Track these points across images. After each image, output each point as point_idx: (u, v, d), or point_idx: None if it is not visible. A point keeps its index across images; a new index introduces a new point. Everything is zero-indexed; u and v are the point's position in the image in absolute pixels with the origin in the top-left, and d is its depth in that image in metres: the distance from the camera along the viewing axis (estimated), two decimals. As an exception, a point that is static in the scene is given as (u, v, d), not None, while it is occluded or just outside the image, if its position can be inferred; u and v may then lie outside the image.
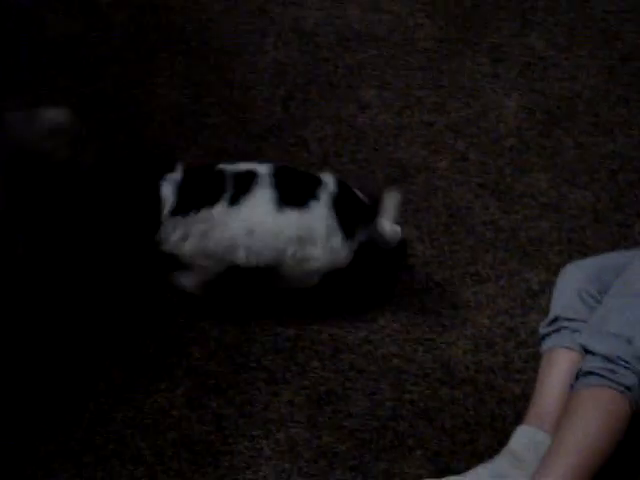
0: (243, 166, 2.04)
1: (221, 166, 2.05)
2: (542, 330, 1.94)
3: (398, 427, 1.92)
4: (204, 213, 1.96)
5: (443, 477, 1.75)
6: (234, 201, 1.96)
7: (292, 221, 1.98)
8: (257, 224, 1.97)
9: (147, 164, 2.09)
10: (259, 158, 2.35)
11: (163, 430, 1.97)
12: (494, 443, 1.86)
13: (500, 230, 2.28)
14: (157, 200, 1.97)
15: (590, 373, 1.70)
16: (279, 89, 2.72)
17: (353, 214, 2.04)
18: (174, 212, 1.97)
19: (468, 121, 2.55)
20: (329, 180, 2.04)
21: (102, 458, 1.93)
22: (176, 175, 2.01)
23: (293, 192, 2.01)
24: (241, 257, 2.01)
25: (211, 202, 1.97)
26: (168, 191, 1.98)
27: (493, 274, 2.19)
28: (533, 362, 2.01)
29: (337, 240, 1.99)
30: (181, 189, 1.98)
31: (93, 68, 2.86)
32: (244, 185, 1.98)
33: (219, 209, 1.96)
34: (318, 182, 2.03)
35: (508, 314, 2.11)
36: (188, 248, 2.02)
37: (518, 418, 1.88)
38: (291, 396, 1.99)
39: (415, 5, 2.93)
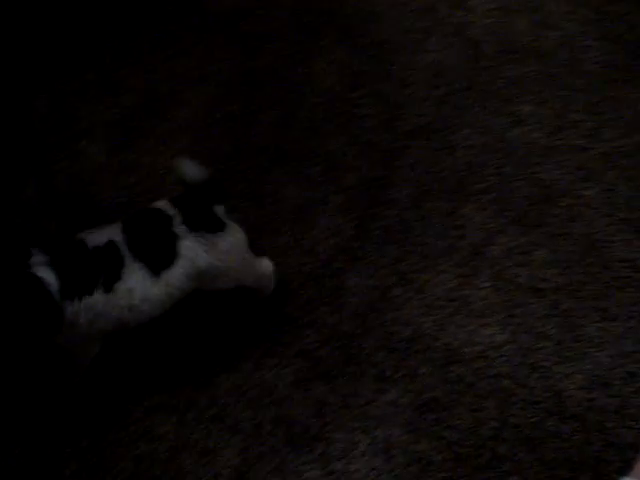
0: (98, 236, 1.85)
1: (79, 236, 1.86)
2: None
3: (498, 449, 1.86)
4: (86, 301, 1.80)
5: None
6: (109, 288, 1.80)
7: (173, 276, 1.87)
8: (139, 300, 1.85)
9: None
10: (403, 157, 2.32)
11: (265, 405, 1.98)
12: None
13: (638, 270, 2.16)
14: (42, 289, 1.75)
15: None
16: (435, 90, 2.66)
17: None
18: (62, 296, 1.77)
19: (623, 152, 2.42)
20: (170, 209, 1.89)
21: (203, 420, 1.96)
22: (40, 257, 1.78)
23: (154, 250, 1.86)
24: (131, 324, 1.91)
25: (89, 290, 1.80)
26: (47, 275, 1.76)
27: (623, 313, 2.07)
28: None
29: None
30: (57, 270, 1.77)
31: (256, 42, 2.88)
32: (112, 267, 1.82)
33: (98, 297, 1.80)
34: (167, 219, 1.87)
35: (631, 357, 2.00)
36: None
37: (624, 467, 1.78)
38: (396, 397, 1.95)
39: (587, 26, 2.80)
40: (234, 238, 1.93)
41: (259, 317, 2.16)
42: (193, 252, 1.84)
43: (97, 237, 1.84)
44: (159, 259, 1.84)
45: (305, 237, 2.33)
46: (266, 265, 2.14)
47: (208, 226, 1.87)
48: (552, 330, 2.06)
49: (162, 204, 1.90)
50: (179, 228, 1.84)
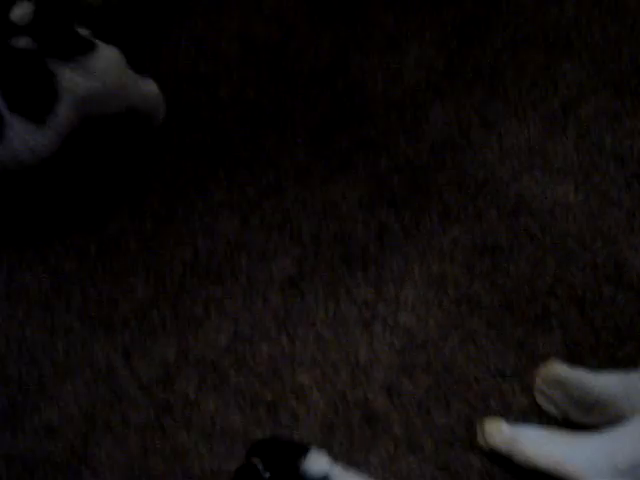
0: None
1: None
2: None
3: (549, 304, 1.81)
4: None
5: (573, 367, 1.65)
6: None
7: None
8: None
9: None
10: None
11: (328, 221, 1.95)
12: (637, 358, 1.73)
13: None
14: None
15: None
16: None
17: None
18: None
19: None
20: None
21: (265, 225, 1.95)
22: None
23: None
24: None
25: None
26: None
27: None
28: None
29: None
30: None
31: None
32: None
33: None
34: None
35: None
36: None
37: (670, 344, 1.73)
38: (458, 235, 1.90)
39: None
40: (108, 57, 1.83)
41: (332, 129, 2.09)
42: (73, 83, 1.76)
43: None
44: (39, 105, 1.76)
45: (394, 64, 2.23)
46: (150, 84, 2.04)
47: (78, 49, 1.77)
48: (627, 200, 1.97)
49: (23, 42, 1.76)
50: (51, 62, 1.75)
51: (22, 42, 1.77)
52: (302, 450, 1.39)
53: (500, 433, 1.58)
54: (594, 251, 1.89)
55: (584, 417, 1.64)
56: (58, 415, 1.73)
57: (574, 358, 1.72)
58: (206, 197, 2.02)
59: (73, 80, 1.77)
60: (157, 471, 1.65)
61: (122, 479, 1.65)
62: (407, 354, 1.75)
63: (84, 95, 1.80)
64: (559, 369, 1.64)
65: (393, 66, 2.22)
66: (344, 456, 1.62)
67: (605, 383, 1.64)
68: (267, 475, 1.34)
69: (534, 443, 1.56)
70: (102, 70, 1.82)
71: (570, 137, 2.07)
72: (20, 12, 1.73)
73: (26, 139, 1.77)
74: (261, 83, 2.24)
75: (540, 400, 1.68)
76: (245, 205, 1.99)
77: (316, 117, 2.15)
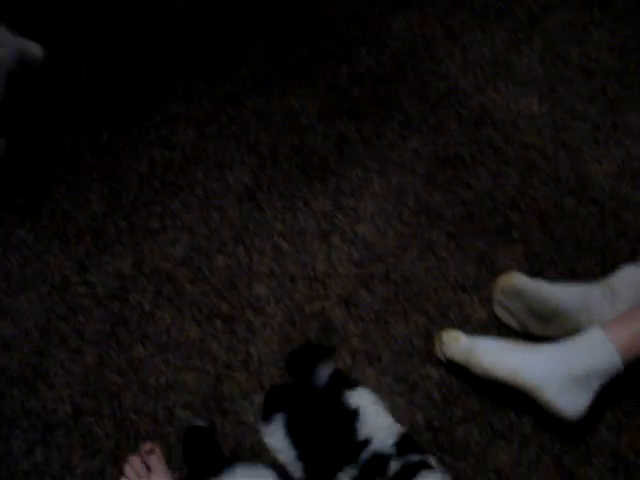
0: None
1: None
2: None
3: (510, 216, 1.76)
4: None
5: (532, 278, 1.61)
6: None
7: None
8: None
9: None
10: None
11: (286, 132, 1.88)
12: (596, 270, 1.69)
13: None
14: None
15: None
16: None
17: None
18: None
19: None
20: None
21: (222, 135, 1.88)
22: None
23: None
24: None
25: None
26: None
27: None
28: (672, 210, 1.79)
29: None
30: None
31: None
32: None
33: None
34: None
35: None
36: None
37: (631, 257, 1.69)
38: (419, 146, 1.84)
39: None
40: None
41: (292, 47, 2.01)
42: None
43: None
44: None
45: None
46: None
47: None
48: (592, 113, 1.92)
49: None
50: None
51: None
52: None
53: (458, 344, 1.55)
54: (557, 164, 1.84)
55: (542, 329, 1.60)
56: (13, 330, 1.67)
57: (534, 271, 1.69)
58: (162, 108, 1.94)
59: None
60: (113, 384, 1.60)
61: (78, 392, 1.60)
62: (365, 266, 1.70)
63: None
64: (518, 280, 1.60)
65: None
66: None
67: (563, 294, 1.60)
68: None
69: (491, 353, 1.52)
70: None
71: (535, 49, 2.01)
72: None
73: None
74: (220, -9, 2.14)
75: (499, 312, 1.64)
76: (202, 116, 1.91)
77: (275, 27, 2.06)
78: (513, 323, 1.63)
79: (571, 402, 1.50)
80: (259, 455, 1.49)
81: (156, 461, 1.43)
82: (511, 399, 1.56)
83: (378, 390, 1.57)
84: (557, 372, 1.49)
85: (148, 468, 1.42)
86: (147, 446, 1.43)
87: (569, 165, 1.84)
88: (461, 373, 1.57)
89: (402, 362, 1.60)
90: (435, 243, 1.72)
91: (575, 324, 1.57)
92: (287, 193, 1.80)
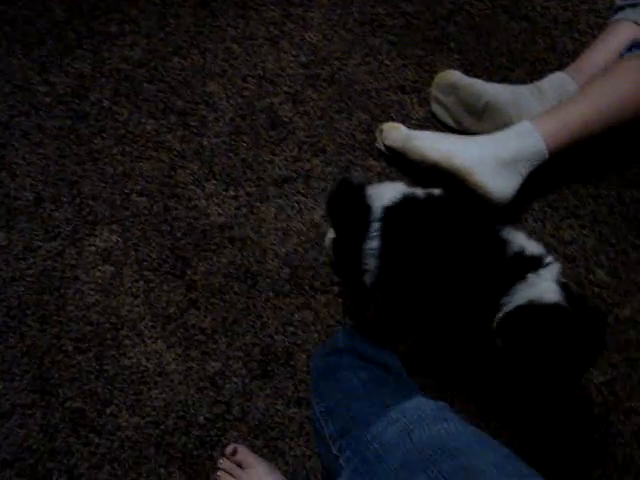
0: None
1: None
2: (619, 2, 1.52)
3: (448, 28, 1.59)
4: None
5: (468, 77, 1.45)
6: None
7: None
8: None
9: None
10: None
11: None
12: (527, 80, 1.53)
13: None
14: None
15: None
16: None
17: None
18: None
19: None
20: None
21: None
22: None
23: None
24: None
25: None
26: None
27: None
28: (597, 30, 1.60)
29: None
30: None
31: None
32: None
33: None
34: None
35: None
36: None
37: (559, 70, 1.52)
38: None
39: None
40: None
41: None
42: None
43: None
44: None
45: None
46: None
47: None
48: None
49: None
50: None
51: None
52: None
53: (398, 131, 1.39)
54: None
55: (476, 125, 1.45)
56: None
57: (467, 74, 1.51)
58: None
59: None
60: (73, 173, 1.44)
61: (39, 181, 1.43)
62: (312, 67, 1.52)
63: None
64: (454, 75, 1.44)
65: None
66: (251, 156, 1.42)
67: (496, 90, 1.45)
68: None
69: (428, 140, 1.37)
70: None
71: None
72: None
73: None
74: None
75: (436, 109, 1.49)
76: None
77: None
78: (449, 120, 1.47)
79: (500, 184, 1.36)
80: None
81: (245, 456, 1.23)
82: (444, 187, 1.42)
83: (323, 177, 1.42)
84: (488, 157, 1.35)
85: (240, 465, 1.22)
86: (229, 449, 1.23)
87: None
88: (400, 165, 1.42)
89: (345, 154, 1.45)
90: (377, 49, 1.54)
91: (506, 120, 1.43)
92: (240, 2, 1.59)
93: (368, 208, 1.09)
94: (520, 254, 1.04)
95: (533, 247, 1.06)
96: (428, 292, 1.10)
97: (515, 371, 1.02)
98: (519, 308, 0.98)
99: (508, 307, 1.00)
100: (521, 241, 1.07)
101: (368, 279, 1.11)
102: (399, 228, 1.09)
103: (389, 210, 1.09)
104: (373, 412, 0.84)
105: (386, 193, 1.11)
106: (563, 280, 1.03)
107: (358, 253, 1.09)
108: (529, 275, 1.01)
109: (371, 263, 1.09)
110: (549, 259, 1.05)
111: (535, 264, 1.03)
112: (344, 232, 1.16)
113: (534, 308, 0.98)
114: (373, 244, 1.08)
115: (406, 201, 1.11)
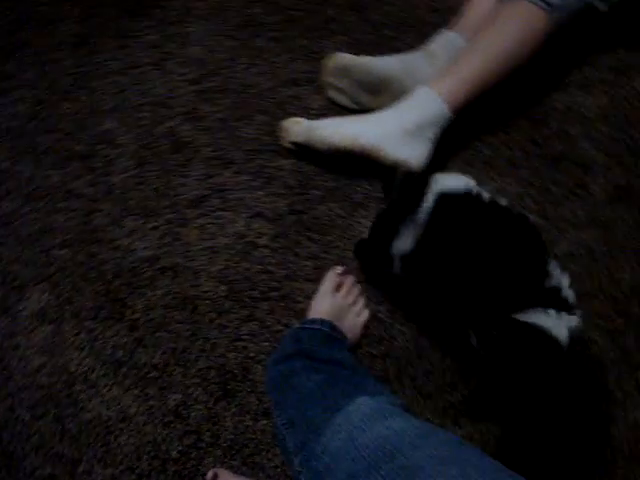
0: None
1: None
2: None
3: (327, 12, 1.58)
4: None
5: (357, 56, 1.44)
6: None
7: None
8: None
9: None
10: None
11: None
12: (416, 44, 1.53)
13: None
14: None
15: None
16: None
17: None
18: None
19: None
20: None
21: None
22: None
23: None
24: None
25: None
26: None
27: None
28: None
29: None
30: None
31: None
32: None
33: None
34: None
35: None
36: None
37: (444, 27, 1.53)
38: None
39: None
40: None
41: None
42: None
43: None
44: None
45: None
46: None
47: None
48: None
49: None
50: None
51: None
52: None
53: (299, 125, 1.38)
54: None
55: (374, 101, 1.46)
56: None
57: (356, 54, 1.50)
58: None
59: None
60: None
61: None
62: (202, 82, 1.50)
63: None
64: (341, 58, 1.43)
65: None
66: (162, 184, 1.40)
67: (386, 64, 1.45)
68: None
69: (331, 127, 1.37)
70: None
71: None
72: None
73: None
74: None
75: (332, 94, 1.48)
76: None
77: None
78: (347, 102, 1.47)
79: (411, 152, 1.37)
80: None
81: (226, 478, 1.22)
82: (360, 170, 1.42)
83: (238, 188, 1.41)
84: (392, 130, 1.36)
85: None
86: (210, 475, 1.22)
87: None
88: (311, 158, 1.42)
89: (255, 159, 1.44)
90: (263, 49, 1.53)
91: (403, 90, 1.43)
92: (116, 34, 1.56)
93: (424, 187, 1.09)
94: (556, 290, 1.06)
95: (569, 293, 1.07)
96: (453, 285, 1.10)
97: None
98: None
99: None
100: (562, 281, 1.08)
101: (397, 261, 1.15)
102: (451, 217, 1.09)
103: (445, 196, 1.09)
104: (325, 418, 0.84)
105: (450, 181, 1.11)
106: (576, 331, 1.04)
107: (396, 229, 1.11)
108: (550, 310, 1.03)
109: (406, 244, 1.11)
110: (576, 311, 1.06)
111: (563, 306, 1.04)
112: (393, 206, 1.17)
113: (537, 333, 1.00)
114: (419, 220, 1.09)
115: (467, 196, 1.10)
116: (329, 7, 1.57)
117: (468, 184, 1.11)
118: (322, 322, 1.20)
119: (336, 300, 1.30)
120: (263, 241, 1.39)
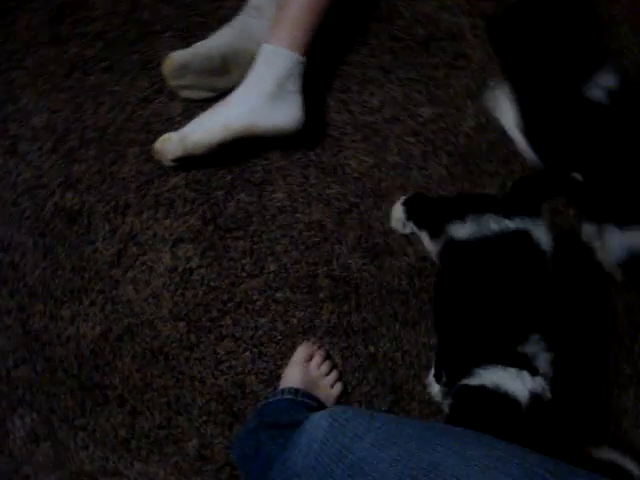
0: None
1: None
2: None
3: (142, 17, 1.50)
4: None
5: (189, 47, 1.38)
6: None
7: None
8: None
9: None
10: None
11: None
12: (239, 3, 1.46)
13: None
14: None
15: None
16: None
17: None
18: None
19: None
20: None
21: None
22: None
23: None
24: None
25: None
26: None
27: None
28: None
29: None
30: None
31: None
32: None
33: None
34: None
35: None
36: None
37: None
38: (27, 22, 1.51)
39: None
40: None
41: None
42: None
43: None
44: None
45: None
46: None
47: None
48: None
49: None
50: None
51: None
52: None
53: (170, 142, 1.34)
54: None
55: (228, 79, 1.42)
56: None
57: (193, 42, 1.42)
58: None
59: None
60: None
61: None
62: (60, 146, 1.42)
63: None
64: (175, 56, 1.37)
65: None
66: (75, 261, 1.36)
67: (220, 39, 1.41)
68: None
69: (197, 129, 1.33)
70: None
71: None
72: None
73: None
74: None
75: (185, 94, 1.44)
76: None
77: None
78: (204, 94, 1.43)
79: (285, 114, 1.35)
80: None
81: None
82: (248, 151, 1.40)
83: (146, 227, 1.37)
84: (256, 101, 1.33)
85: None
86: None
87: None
88: (198, 163, 1.38)
89: (148, 191, 1.40)
90: (100, 84, 1.45)
91: (248, 55, 1.39)
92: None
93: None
94: (526, 357, 1.00)
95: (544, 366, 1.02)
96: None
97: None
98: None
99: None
100: (540, 356, 1.02)
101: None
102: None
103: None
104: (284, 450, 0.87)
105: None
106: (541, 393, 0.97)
107: None
108: (510, 368, 0.97)
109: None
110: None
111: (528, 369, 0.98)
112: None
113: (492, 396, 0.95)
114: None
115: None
116: (141, 11, 1.50)
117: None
118: (285, 391, 1.21)
119: (307, 370, 1.28)
120: (194, 263, 1.36)
